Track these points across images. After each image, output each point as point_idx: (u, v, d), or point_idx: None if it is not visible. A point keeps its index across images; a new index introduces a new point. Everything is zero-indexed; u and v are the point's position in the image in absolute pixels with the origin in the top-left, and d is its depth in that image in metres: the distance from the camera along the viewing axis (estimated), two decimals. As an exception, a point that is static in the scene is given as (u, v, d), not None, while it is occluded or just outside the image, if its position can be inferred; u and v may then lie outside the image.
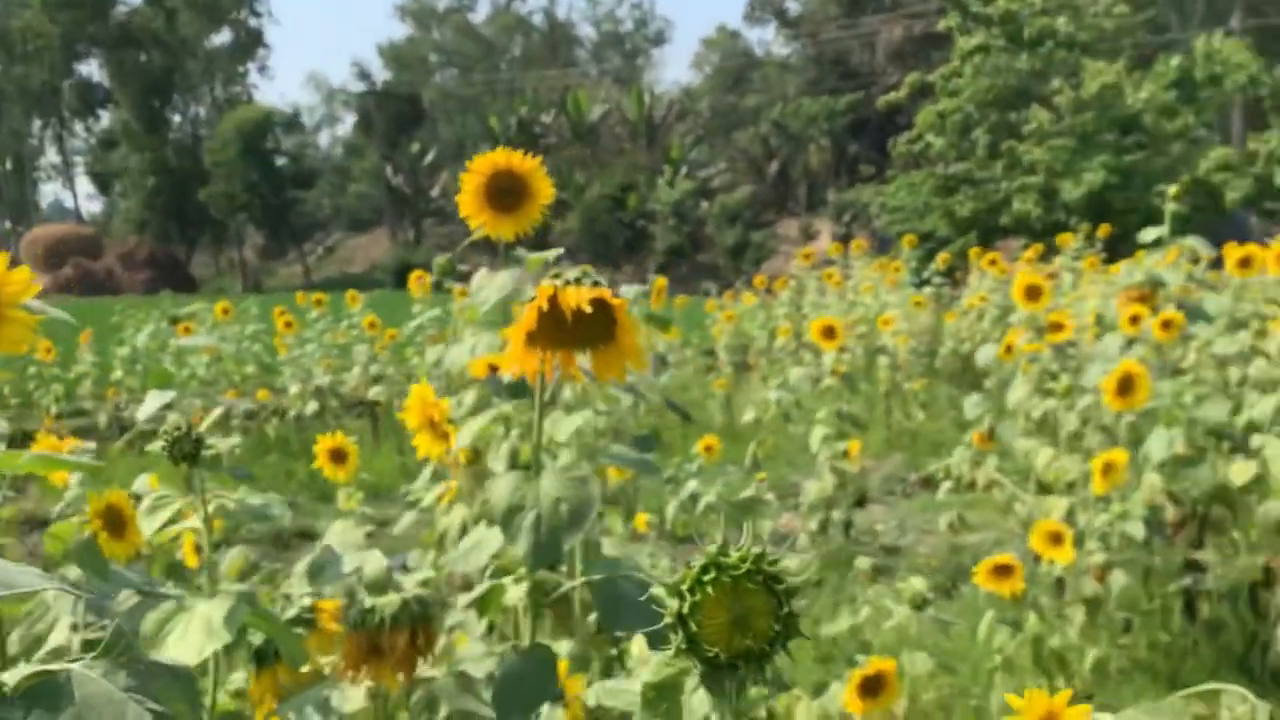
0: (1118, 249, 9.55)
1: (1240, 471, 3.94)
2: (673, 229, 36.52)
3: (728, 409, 9.21)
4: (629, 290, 5.87)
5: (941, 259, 11.54)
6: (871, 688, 2.13)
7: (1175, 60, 24.44)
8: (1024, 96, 21.99)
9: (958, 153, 23.13)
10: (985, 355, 5.83)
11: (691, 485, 5.33)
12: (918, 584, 2.39)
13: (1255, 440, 3.94)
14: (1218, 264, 5.30)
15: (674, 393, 9.37)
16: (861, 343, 9.95)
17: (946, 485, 4.15)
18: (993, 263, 10.32)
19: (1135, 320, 4.53)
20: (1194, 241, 5.85)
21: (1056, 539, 2.76)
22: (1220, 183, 20.74)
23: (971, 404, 5.59)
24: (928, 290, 11.64)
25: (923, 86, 25.28)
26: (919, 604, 2.36)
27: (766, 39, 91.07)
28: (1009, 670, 2.97)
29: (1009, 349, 5.40)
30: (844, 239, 33.83)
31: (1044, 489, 4.02)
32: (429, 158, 45.86)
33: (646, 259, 39.08)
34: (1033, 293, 4.71)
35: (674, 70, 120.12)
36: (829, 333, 5.27)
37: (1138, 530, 2.79)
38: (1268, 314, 4.65)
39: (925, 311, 11.16)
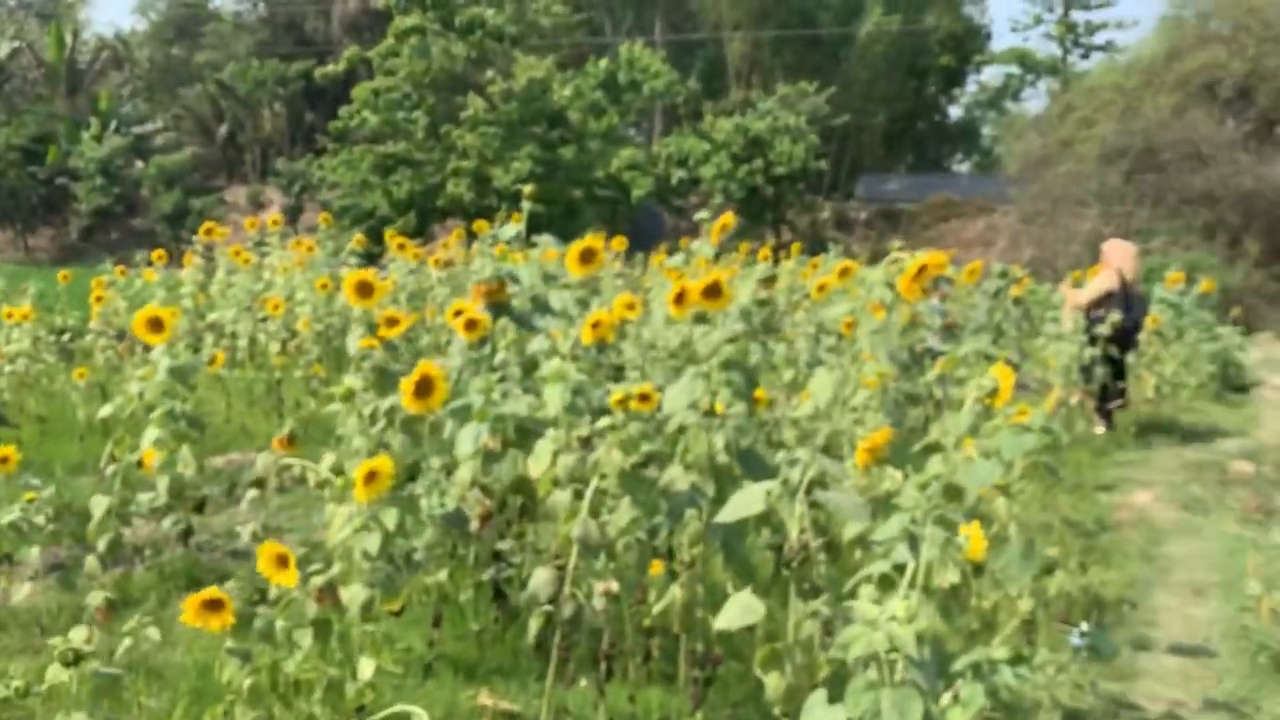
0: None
1: (535, 464, 4.16)
2: (100, 189, 32.77)
3: (100, 401, 8.22)
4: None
5: (356, 240, 11.36)
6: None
7: (603, 63, 26.62)
8: (462, 83, 22.60)
9: (399, 133, 23.20)
10: (351, 343, 5.68)
11: (-21, 502, 4.58)
12: (76, 635, 2.10)
13: (549, 433, 4.18)
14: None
15: (33, 382, 8.18)
16: (263, 327, 9.47)
17: (252, 493, 3.90)
18: (401, 247, 10.37)
19: (458, 314, 4.65)
20: (547, 239, 6.17)
21: (283, 562, 2.62)
22: (629, 180, 22.97)
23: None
24: (344, 271, 11.38)
25: (366, 62, 25.00)
26: (70, 660, 2.06)
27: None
28: (254, 701, 2.79)
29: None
30: (294, 210, 32.61)
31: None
32: None
33: (69, 221, 34.75)
34: (364, 290, 4.60)
35: (114, 13, 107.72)
36: (155, 325, 4.79)
37: (373, 544, 2.75)
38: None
39: (337, 294, 10.89)
